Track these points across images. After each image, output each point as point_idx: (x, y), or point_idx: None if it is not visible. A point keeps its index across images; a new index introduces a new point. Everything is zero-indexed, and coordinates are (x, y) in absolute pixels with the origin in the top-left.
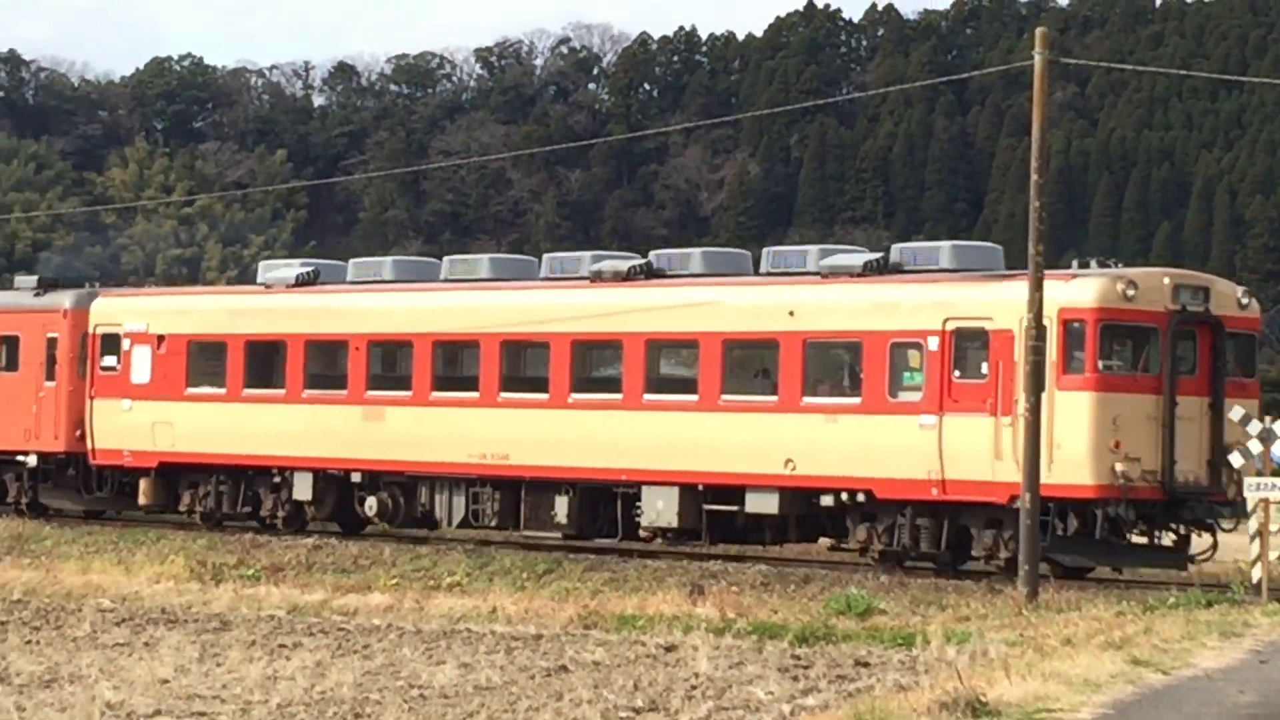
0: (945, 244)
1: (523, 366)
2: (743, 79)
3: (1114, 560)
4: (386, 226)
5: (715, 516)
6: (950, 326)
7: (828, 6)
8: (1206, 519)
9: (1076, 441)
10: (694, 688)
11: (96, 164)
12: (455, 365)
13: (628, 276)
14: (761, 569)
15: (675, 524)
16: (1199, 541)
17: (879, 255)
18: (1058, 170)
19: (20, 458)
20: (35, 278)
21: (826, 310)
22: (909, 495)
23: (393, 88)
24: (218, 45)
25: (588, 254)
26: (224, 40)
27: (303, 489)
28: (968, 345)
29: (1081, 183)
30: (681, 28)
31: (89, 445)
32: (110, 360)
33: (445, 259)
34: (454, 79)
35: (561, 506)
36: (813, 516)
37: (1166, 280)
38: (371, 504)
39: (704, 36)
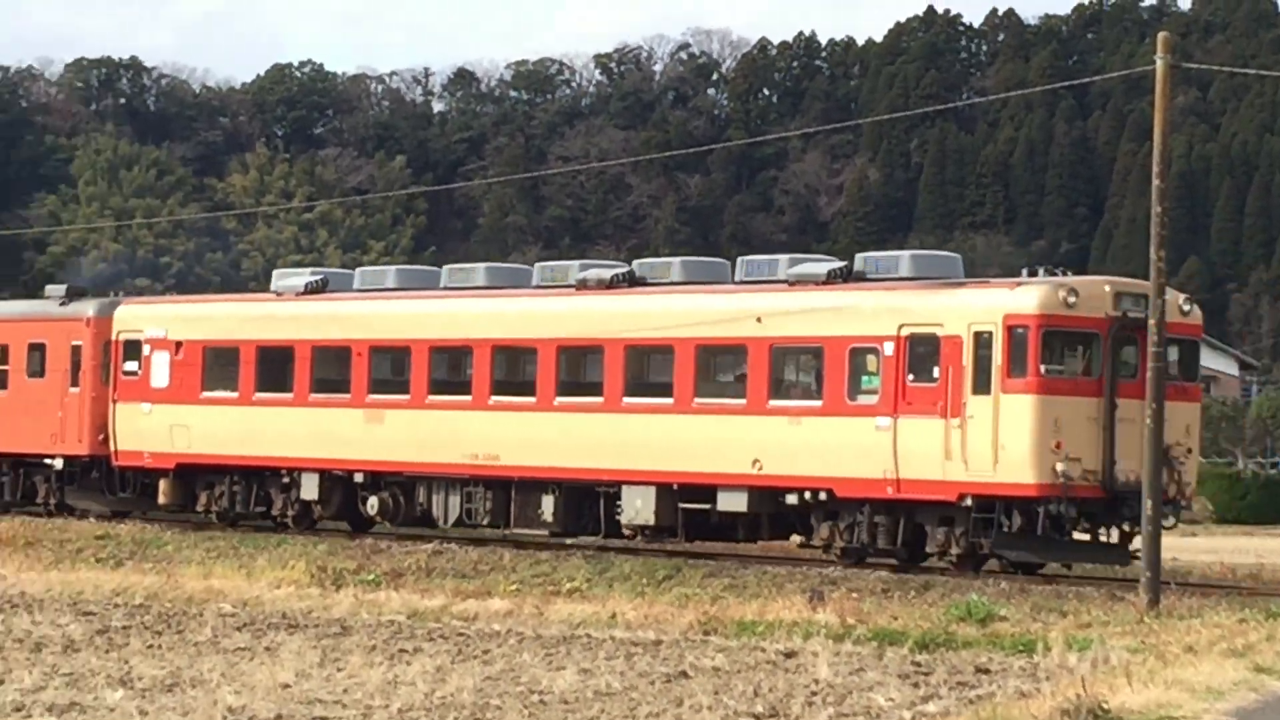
0: (905, 253)
1: (512, 371)
2: (862, 84)
3: (1058, 556)
4: (505, 232)
5: (690, 514)
6: (905, 332)
7: (948, 11)
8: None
9: (1019, 442)
10: (814, 694)
11: (217, 170)
12: (450, 370)
13: (610, 285)
14: (881, 575)
15: (653, 522)
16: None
17: (843, 264)
18: (1179, 175)
19: (47, 460)
20: (64, 287)
21: (791, 317)
22: (866, 494)
23: (512, 94)
24: (338, 52)
25: (576, 263)
26: (344, 47)
27: (309, 489)
28: (920, 350)
29: (1203, 188)
30: (801, 33)
31: (112, 447)
32: (132, 366)
33: (445, 268)
34: (573, 85)
35: (548, 505)
36: (782, 514)
37: (1107, 288)
38: (373, 503)
39: (823, 42)
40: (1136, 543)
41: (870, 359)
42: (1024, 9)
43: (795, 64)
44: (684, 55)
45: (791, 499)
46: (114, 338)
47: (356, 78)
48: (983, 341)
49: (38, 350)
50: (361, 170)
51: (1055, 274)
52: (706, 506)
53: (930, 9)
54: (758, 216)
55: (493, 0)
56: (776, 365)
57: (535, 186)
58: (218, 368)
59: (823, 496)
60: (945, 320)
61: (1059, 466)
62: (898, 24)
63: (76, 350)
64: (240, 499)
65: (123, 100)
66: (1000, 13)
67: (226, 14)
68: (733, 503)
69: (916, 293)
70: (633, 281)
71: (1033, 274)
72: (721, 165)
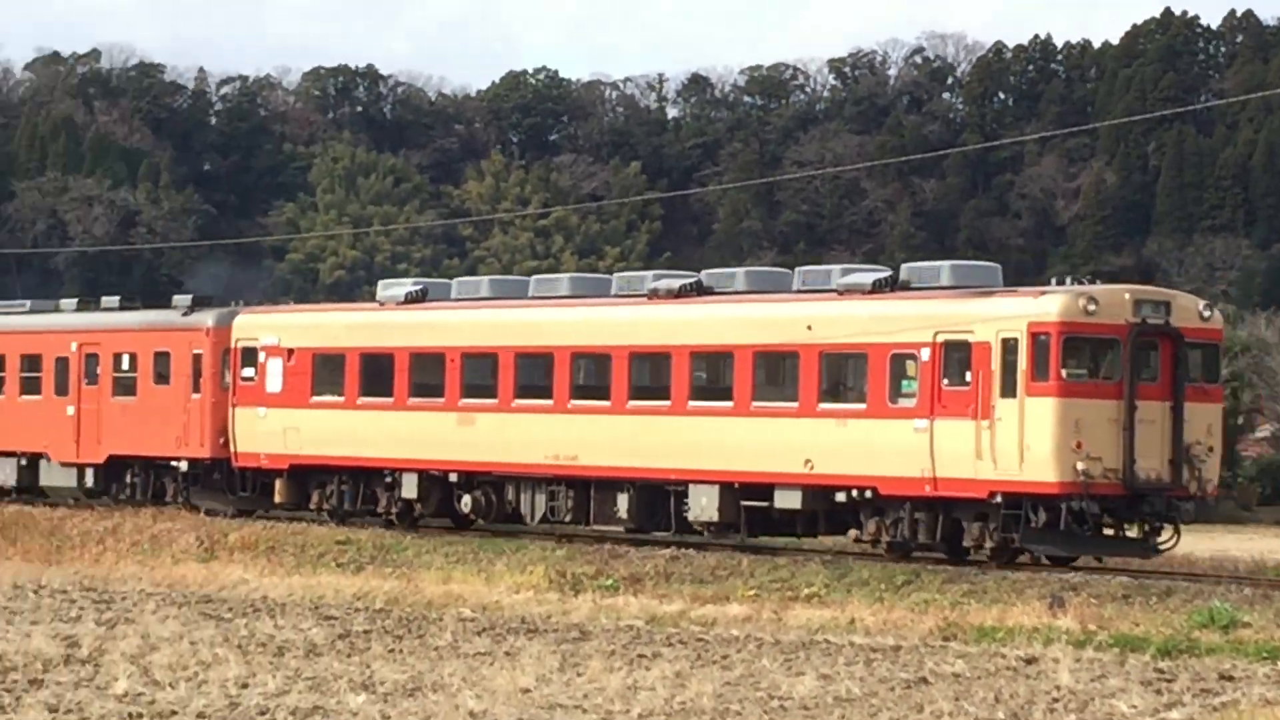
0: (945, 264)
1: (590, 376)
2: (1099, 87)
3: (1083, 550)
4: (740, 237)
5: (751, 511)
6: (939, 339)
7: (1185, 13)
8: (1167, 513)
9: (1042, 443)
10: (1055, 700)
11: (453, 177)
12: (534, 375)
13: (679, 294)
14: (1122, 580)
15: (716, 518)
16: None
17: (889, 274)
18: None
19: (174, 463)
20: (190, 297)
21: (839, 324)
22: (906, 492)
23: (746, 99)
24: (573, 58)
25: (650, 273)
26: (579, 53)
27: (409, 488)
28: (954, 356)
29: None
30: (1036, 36)
31: (231, 450)
32: (248, 372)
33: (533, 278)
34: (808, 90)
35: (623, 503)
36: (836, 511)
37: (1127, 295)
38: (467, 501)
39: (1059, 45)
40: (1163, 536)
41: (909, 364)
42: (1262, 10)
43: (1030, 67)
44: (918, 59)
45: (840, 497)
46: (232, 345)
47: (591, 84)
48: (1009, 347)
49: (163, 358)
50: (596, 176)
51: (1081, 283)
52: (765, 504)
53: (1167, 10)
54: (994, 220)
55: (727, 6)
56: (826, 370)
57: (770, 192)
58: (325, 373)
59: (868, 494)
60: (976, 327)
61: (1079, 465)
62: (1134, 26)
63: (198, 358)
64: (348, 497)
65: (359, 108)
66: (1239, 14)
67: (462, 22)
68: (788, 500)
69: (950, 301)
70: (701, 291)
71: (1060, 283)
72: (957, 169)
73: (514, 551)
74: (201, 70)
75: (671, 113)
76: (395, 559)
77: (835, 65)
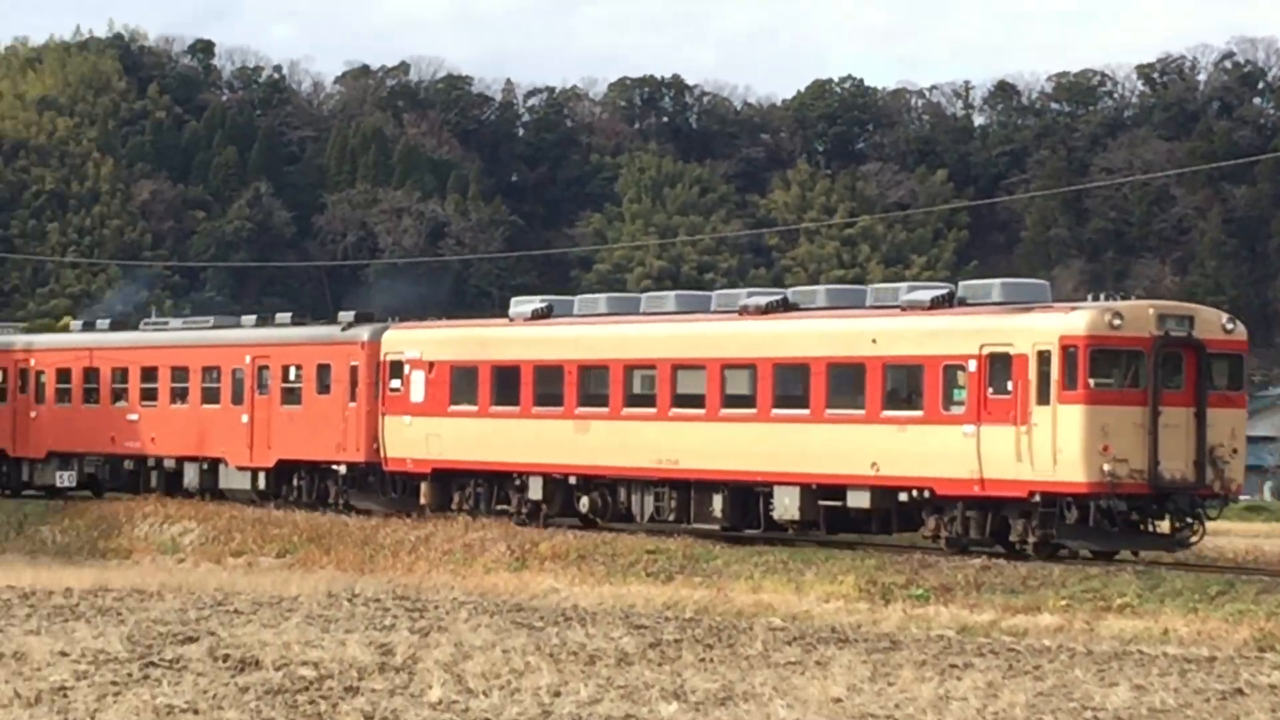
0: (997, 282)
1: (688, 386)
2: None
3: (1114, 544)
4: (1049, 245)
5: (829, 510)
6: (985, 351)
7: None
8: (1191, 510)
9: (1072, 446)
10: None
11: (759, 187)
12: (641, 385)
13: (765, 310)
14: None
15: (799, 517)
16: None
17: (948, 291)
18: None
19: (334, 466)
20: (353, 313)
21: (899, 338)
22: (959, 492)
23: (1054, 106)
24: (878, 66)
25: (744, 291)
26: (885, 61)
27: (535, 490)
28: (997, 367)
29: None
30: None
31: (382, 455)
32: (396, 383)
33: (644, 295)
34: (1115, 96)
35: (718, 503)
36: (902, 509)
37: (1151, 310)
38: (584, 503)
39: None
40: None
41: (960, 374)
42: None
43: None
44: (1228, 64)
45: (903, 497)
46: (382, 359)
47: (897, 92)
48: (1044, 359)
49: (325, 370)
50: (902, 185)
51: (1114, 299)
52: (839, 503)
53: None
54: None
55: (1034, 13)
56: (888, 380)
57: (1078, 199)
58: (462, 384)
59: (926, 494)
60: (1015, 340)
61: (1106, 467)
62: None
63: (354, 370)
64: (484, 499)
65: (665, 118)
66: None
67: (769, 31)
68: (859, 500)
69: (994, 316)
70: (787, 307)
71: (1095, 299)
72: (1269, 175)
73: (824, 561)
74: (509, 82)
75: (978, 120)
76: (704, 568)
77: (1144, 71)
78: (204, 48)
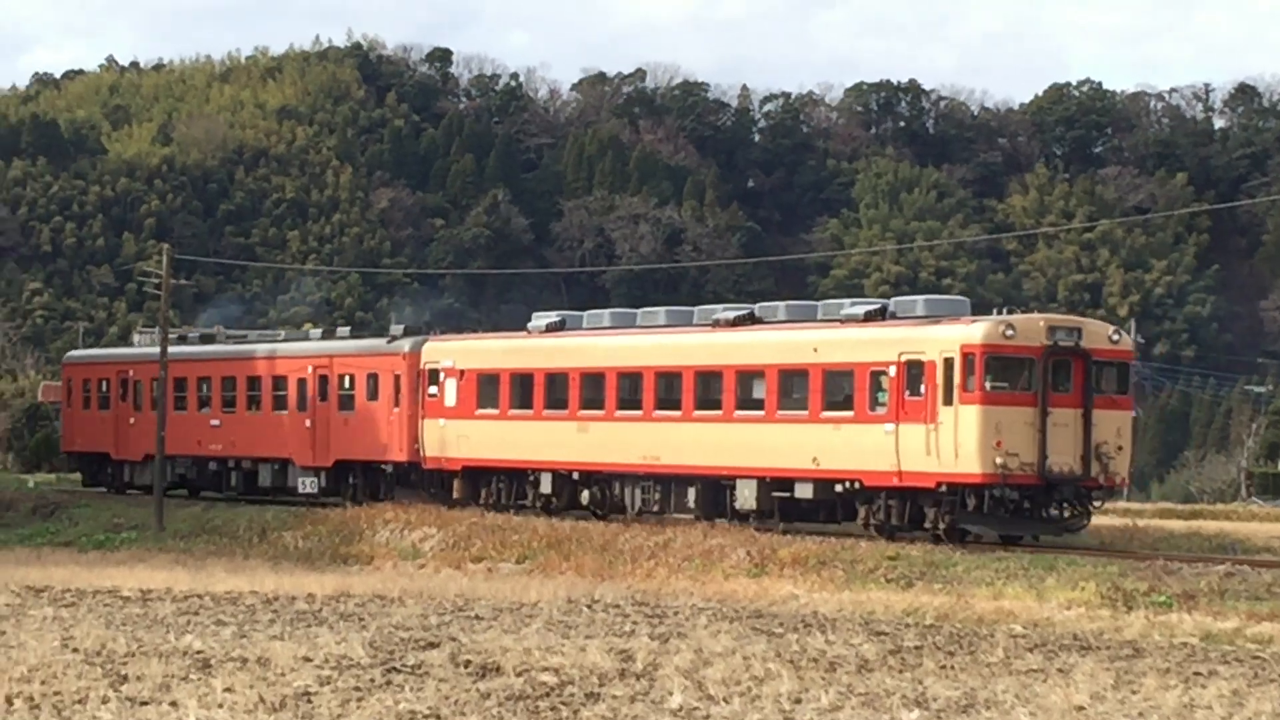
0: (921, 297)
1: (667, 390)
2: None
3: (1008, 529)
4: None
5: (781, 501)
6: (903, 359)
7: None
8: (1076, 499)
9: (970, 441)
10: None
11: (997, 191)
12: (630, 390)
13: (734, 324)
14: None
15: (755, 507)
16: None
17: (880, 306)
18: None
19: (382, 465)
20: (402, 327)
21: (836, 347)
22: (882, 483)
23: None
24: (1117, 69)
25: (720, 306)
26: (1124, 64)
27: (546, 485)
28: (913, 372)
29: None
30: None
31: (421, 454)
32: (432, 390)
33: (640, 310)
34: None
35: (691, 495)
36: (842, 499)
37: (1042, 323)
38: (585, 496)
39: None
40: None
41: (883, 379)
42: None
43: None
44: None
45: (839, 488)
46: (421, 367)
47: (1135, 95)
48: (949, 365)
49: (373, 379)
50: (1141, 189)
51: (1010, 313)
52: (788, 495)
53: None
54: None
55: (1277, 13)
56: (827, 385)
57: None
58: (486, 390)
59: (857, 486)
60: (927, 349)
61: (999, 460)
62: None
63: (398, 378)
64: (505, 493)
65: (902, 123)
66: None
67: (1009, 34)
68: (804, 491)
69: (912, 328)
70: (753, 321)
71: (999, 313)
72: None
73: (1065, 567)
74: (745, 88)
75: (1219, 123)
76: (944, 574)
77: None
78: (441, 56)
